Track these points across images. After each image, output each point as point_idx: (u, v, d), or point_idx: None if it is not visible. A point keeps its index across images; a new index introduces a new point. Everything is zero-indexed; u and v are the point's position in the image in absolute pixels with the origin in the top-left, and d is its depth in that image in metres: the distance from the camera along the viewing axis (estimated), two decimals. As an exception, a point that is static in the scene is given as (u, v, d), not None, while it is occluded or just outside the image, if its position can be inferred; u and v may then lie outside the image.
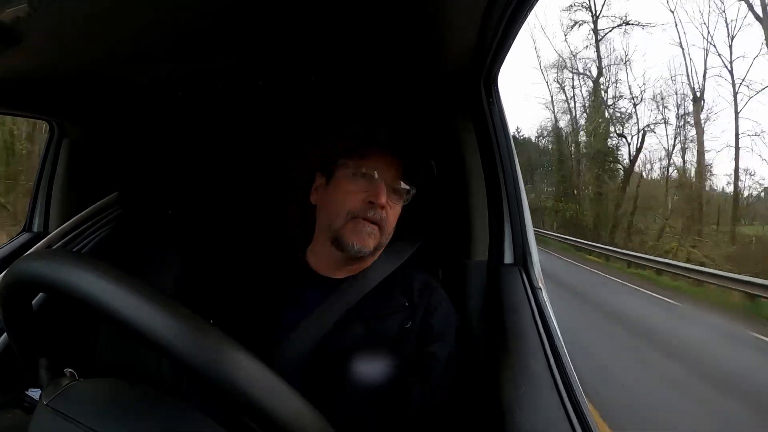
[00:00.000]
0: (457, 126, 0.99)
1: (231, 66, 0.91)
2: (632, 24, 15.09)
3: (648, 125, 15.93)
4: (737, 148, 14.39)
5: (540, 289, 0.84)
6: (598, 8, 15.45)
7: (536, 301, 0.78)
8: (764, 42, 13.22)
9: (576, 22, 16.36)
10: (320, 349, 0.74)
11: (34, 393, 0.86)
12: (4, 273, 0.43)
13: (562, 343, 0.69)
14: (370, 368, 0.73)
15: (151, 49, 0.82)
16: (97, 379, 0.47)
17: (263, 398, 0.37)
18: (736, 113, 14.33)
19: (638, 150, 16.22)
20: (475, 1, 0.63)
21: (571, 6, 16.08)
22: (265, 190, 1.39)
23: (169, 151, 1.31)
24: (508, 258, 0.92)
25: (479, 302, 0.91)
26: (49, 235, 1.14)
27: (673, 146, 15.78)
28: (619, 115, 16.61)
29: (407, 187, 0.81)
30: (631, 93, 15.92)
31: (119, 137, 1.27)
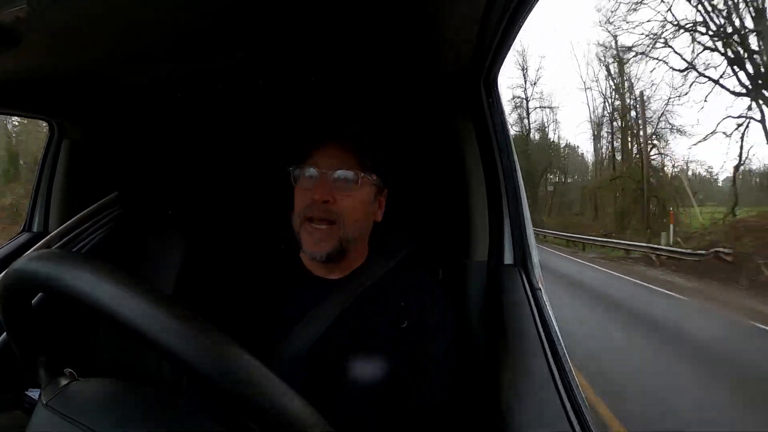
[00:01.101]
0: (457, 126, 0.99)
1: (231, 66, 0.91)
2: (546, 107, 28.09)
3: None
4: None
5: (540, 289, 0.84)
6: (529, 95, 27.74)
7: (536, 302, 0.78)
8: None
9: (516, 105, 27.81)
10: (318, 349, 0.74)
11: (34, 393, 0.86)
12: (3, 273, 0.43)
13: (562, 343, 0.69)
14: (367, 368, 0.73)
15: (150, 50, 0.82)
16: (97, 378, 0.47)
17: (263, 398, 0.37)
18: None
19: (541, 175, 27.24)
20: (474, 1, 0.63)
21: (512, 98, 27.57)
22: (264, 191, 1.39)
23: (169, 151, 1.31)
24: (508, 258, 0.92)
25: (479, 302, 0.91)
26: (49, 235, 1.14)
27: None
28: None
29: (351, 173, 0.77)
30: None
31: (119, 137, 1.26)
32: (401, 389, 0.74)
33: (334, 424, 0.68)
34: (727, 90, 14.35)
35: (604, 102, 23.37)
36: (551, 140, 28.53)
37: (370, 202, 0.81)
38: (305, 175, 0.79)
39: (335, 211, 0.75)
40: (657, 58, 16.61)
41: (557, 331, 0.72)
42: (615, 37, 19.45)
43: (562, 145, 28.93)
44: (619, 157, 21.85)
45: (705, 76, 15.16)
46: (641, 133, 19.24)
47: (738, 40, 13.56)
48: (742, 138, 14.37)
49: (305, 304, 0.78)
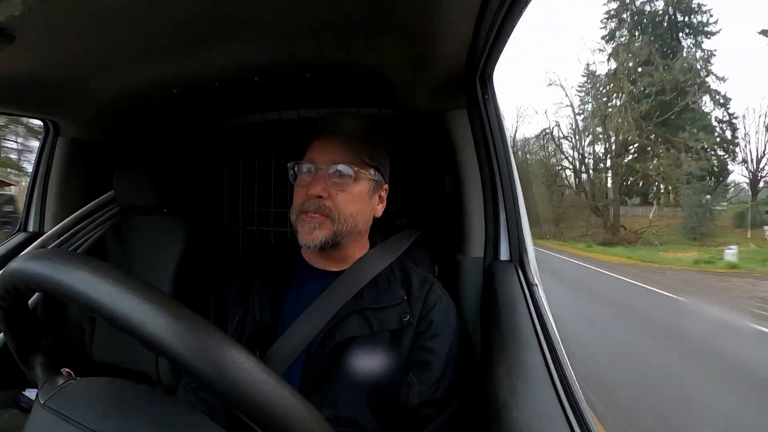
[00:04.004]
0: (453, 122, 0.98)
1: (226, 63, 0.91)
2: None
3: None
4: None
5: (536, 285, 0.84)
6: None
7: (532, 298, 0.78)
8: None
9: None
10: (318, 341, 0.74)
11: (31, 393, 0.86)
12: None
13: (559, 339, 0.69)
14: (369, 360, 0.73)
15: (145, 47, 0.81)
16: (94, 378, 0.47)
17: (261, 399, 0.37)
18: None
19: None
20: None
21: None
22: (263, 186, 1.39)
23: (166, 148, 1.31)
24: (504, 254, 0.92)
25: (475, 298, 0.91)
26: (45, 235, 1.13)
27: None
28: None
29: (347, 167, 0.77)
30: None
31: (115, 136, 1.26)
32: (401, 383, 0.74)
33: (335, 418, 0.68)
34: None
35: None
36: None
37: (367, 197, 0.81)
38: (303, 171, 0.80)
39: (329, 206, 0.76)
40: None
41: (554, 326, 0.73)
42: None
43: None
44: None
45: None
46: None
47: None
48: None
49: (306, 297, 0.78)
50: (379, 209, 0.85)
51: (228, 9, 0.69)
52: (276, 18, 0.73)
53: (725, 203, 17.79)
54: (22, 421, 0.43)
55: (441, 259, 1.01)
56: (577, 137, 20.88)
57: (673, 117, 18.25)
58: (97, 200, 1.21)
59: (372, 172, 0.81)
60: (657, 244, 16.61)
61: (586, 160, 20.35)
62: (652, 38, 19.27)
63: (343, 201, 0.77)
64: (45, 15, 0.63)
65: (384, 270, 0.82)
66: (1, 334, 0.87)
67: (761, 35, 17.65)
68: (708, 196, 16.91)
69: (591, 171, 20.25)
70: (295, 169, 0.81)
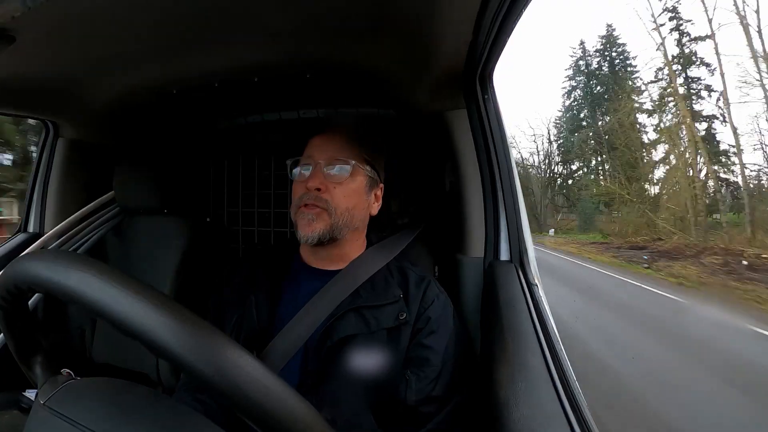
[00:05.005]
0: (453, 122, 0.98)
1: (226, 64, 0.91)
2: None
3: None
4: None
5: (536, 285, 0.84)
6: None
7: (532, 297, 0.78)
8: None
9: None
10: (316, 339, 0.74)
11: (32, 394, 0.86)
12: None
13: (559, 338, 0.69)
14: (367, 359, 0.73)
15: (145, 48, 0.82)
16: (94, 378, 0.47)
17: (261, 398, 0.37)
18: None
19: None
20: None
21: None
22: (262, 186, 1.39)
23: (165, 148, 1.31)
24: (504, 254, 0.92)
25: (475, 298, 0.91)
26: (45, 235, 1.13)
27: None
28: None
29: (344, 163, 0.79)
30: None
31: (115, 136, 1.26)
32: (399, 381, 0.74)
33: (332, 416, 0.68)
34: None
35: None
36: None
37: (363, 193, 0.82)
38: (301, 167, 0.82)
39: (326, 199, 0.78)
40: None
41: (554, 326, 0.73)
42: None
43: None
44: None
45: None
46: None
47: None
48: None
49: (302, 296, 0.79)
50: (375, 207, 0.86)
51: (227, 10, 0.69)
52: (275, 19, 0.73)
53: (617, 213, 26.55)
54: (23, 422, 0.43)
55: (441, 259, 1.01)
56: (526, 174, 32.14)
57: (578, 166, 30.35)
58: (97, 201, 1.21)
59: (368, 168, 0.83)
60: (561, 233, 26.82)
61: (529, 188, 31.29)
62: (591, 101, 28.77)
63: (340, 194, 0.79)
64: (45, 16, 0.63)
65: (381, 269, 0.83)
66: (1, 334, 0.88)
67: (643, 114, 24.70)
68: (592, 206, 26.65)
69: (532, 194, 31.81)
70: (294, 166, 0.83)
